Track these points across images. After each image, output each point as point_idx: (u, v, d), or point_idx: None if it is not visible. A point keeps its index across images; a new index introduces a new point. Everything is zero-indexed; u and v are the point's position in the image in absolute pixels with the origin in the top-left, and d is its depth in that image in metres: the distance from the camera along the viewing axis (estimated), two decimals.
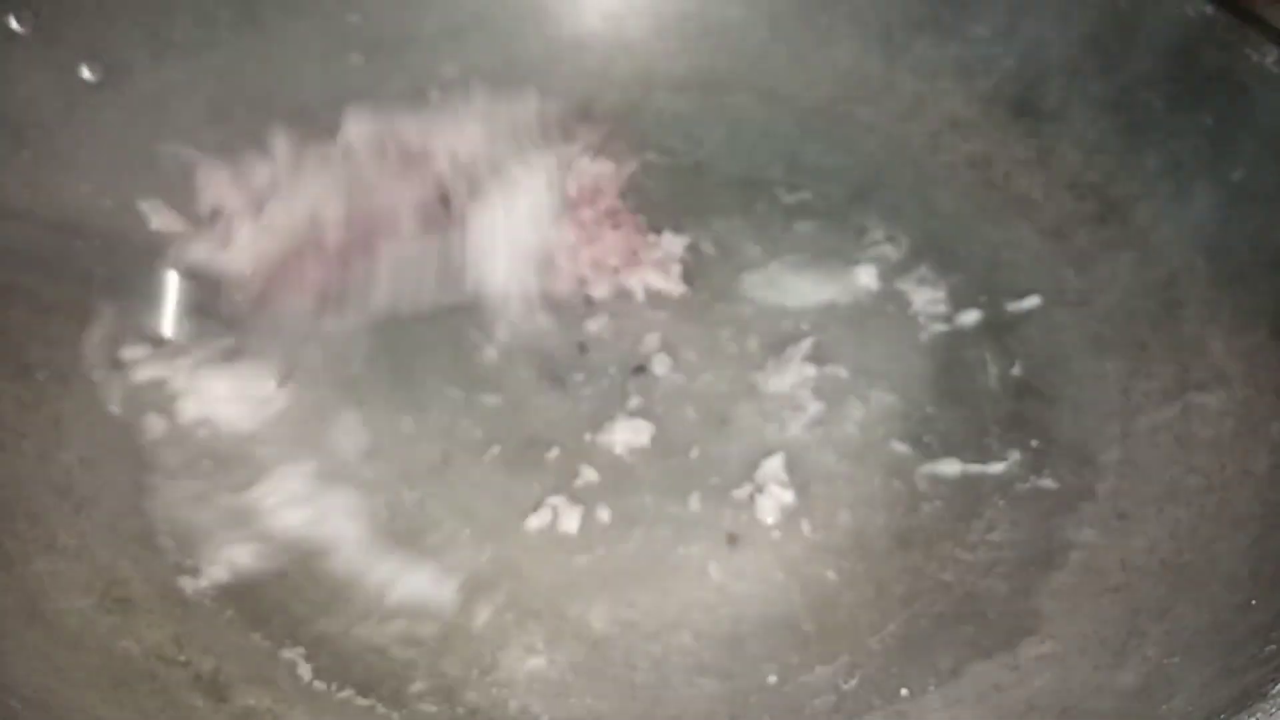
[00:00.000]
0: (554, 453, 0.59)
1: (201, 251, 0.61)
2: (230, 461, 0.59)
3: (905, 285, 0.70)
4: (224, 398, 0.61)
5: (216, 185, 0.63)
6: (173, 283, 0.60)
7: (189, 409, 0.61)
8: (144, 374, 0.61)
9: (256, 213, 0.62)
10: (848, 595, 0.54)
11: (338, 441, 0.61)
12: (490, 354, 0.64)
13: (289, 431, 0.61)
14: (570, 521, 0.56)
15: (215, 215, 0.63)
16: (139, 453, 0.58)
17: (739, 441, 0.61)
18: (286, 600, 0.54)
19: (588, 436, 0.60)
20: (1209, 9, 0.62)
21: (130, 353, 0.62)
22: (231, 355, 0.62)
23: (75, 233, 0.58)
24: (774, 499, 0.57)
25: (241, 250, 0.61)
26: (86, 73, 0.64)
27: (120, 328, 0.63)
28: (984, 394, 0.64)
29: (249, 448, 0.60)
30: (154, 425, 0.60)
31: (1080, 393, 0.62)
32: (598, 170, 0.66)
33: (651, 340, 0.65)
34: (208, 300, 0.61)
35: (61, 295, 0.60)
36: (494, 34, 0.80)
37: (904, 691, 0.50)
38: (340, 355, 0.64)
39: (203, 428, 0.61)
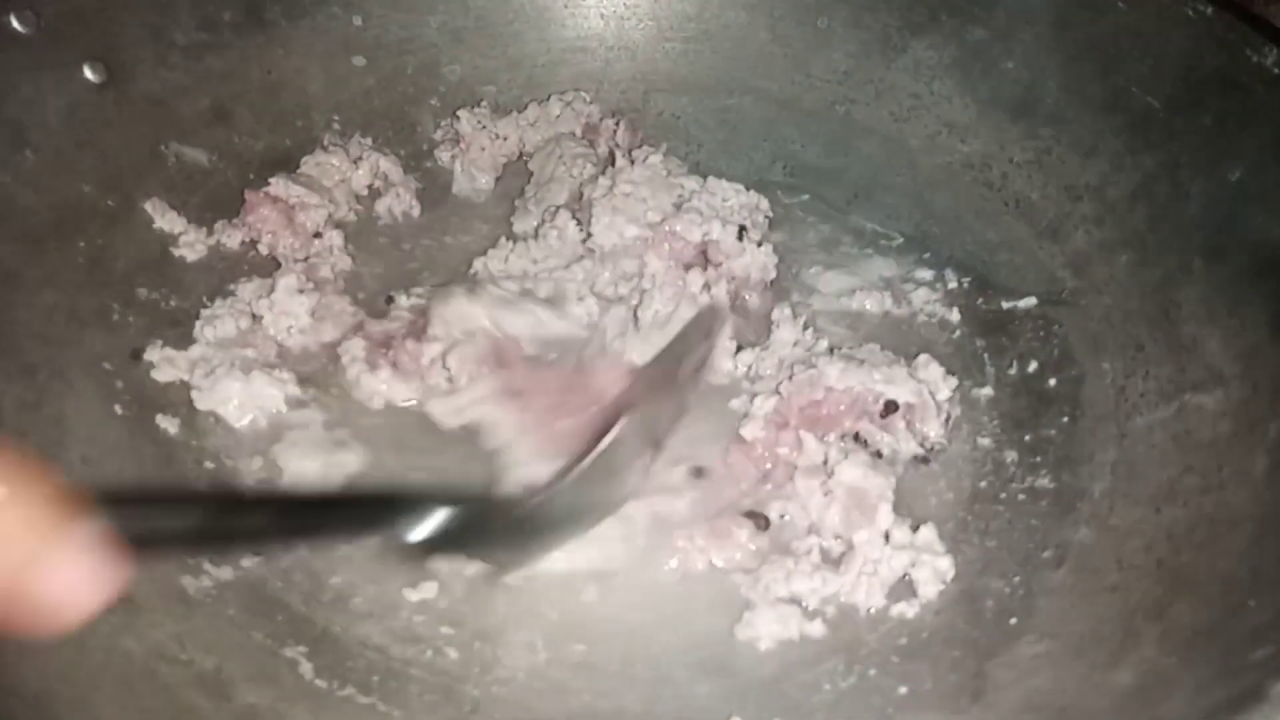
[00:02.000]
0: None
1: None
2: (236, 465, 0.60)
3: (903, 285, 0.71)
4: (236, 404, 0.61)
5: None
6: None
7: (200, 413, 0.61)
8: (163, 376, 0.62)
9: None
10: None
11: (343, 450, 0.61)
12: None
13: (299, 438, 0.61)
14: None
15: None
16: (142, 452, 0.59)
17: None
18: (288, 599, 0.54)
19: None
20: (1209, 9, 0.62)
21: (149, 355, 0.62)
22: (247, 366, 0.62)
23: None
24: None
25: None
26: (89, 74, 0.64)
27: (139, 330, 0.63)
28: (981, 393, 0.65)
29: (255, 453, 0.61)
30: (161, 426, 0.60)
31: (1077, 393, 0.62)
32: None
33: None
34: None
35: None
36: (495, 36, 0.81)
37: (902, 690, 0.50)
38: None
39: (212, 431, 0.61)
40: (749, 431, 0.60)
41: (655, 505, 0.57)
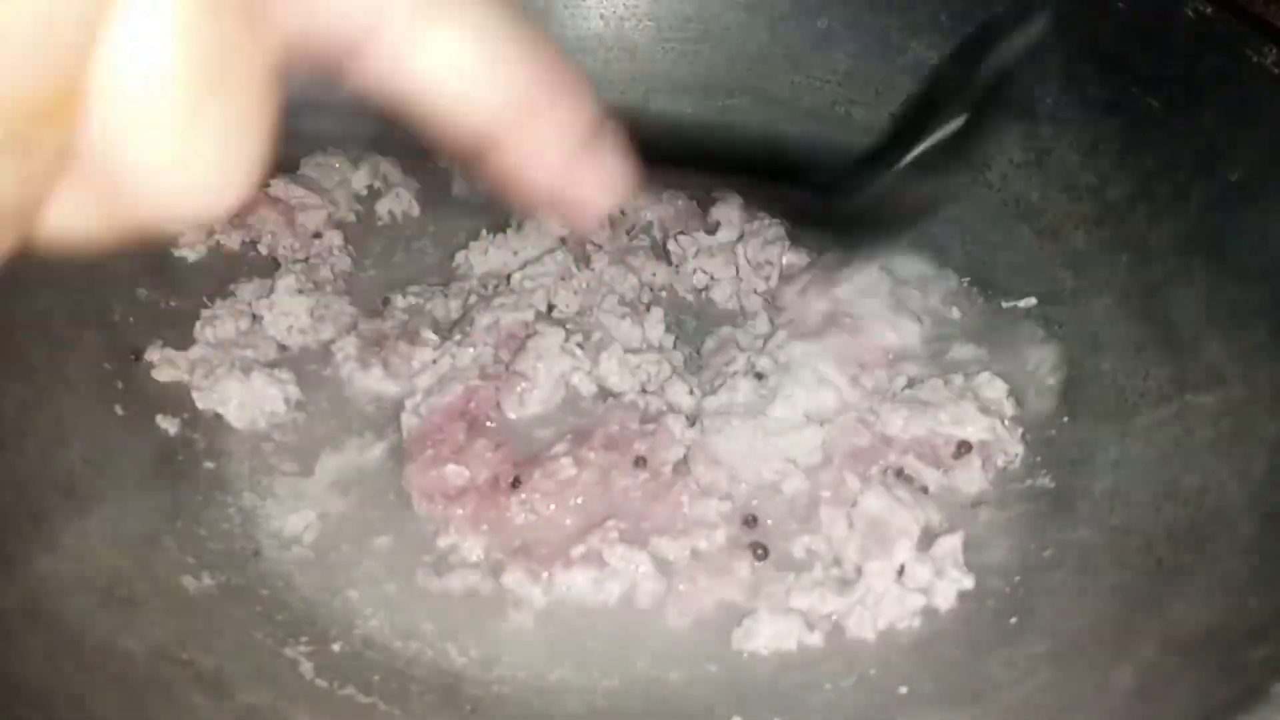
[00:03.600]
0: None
1: None
2: (236, 465, 0.60)
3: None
4: (236, 404, 0.61)
5: None
6: None
7: (200, 412, 0.61)
8: (163, 376, 0.62)
9: None
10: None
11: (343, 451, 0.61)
12: None
13: (295, 439, 0.61)
14: None
15: None
16: (142, 453, 0.59)
17: None
18: (288, 599, 0.54)
19: None
20: (1209, 9, 0.62)
21: (149, 355, 0.62)
22: (247, 366, 0.62)
23: None
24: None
25: None
26: None
27: (137, 330, 0.63)
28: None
29: (255, 453, 0.61)
30: (161, 426, 0.60)
31: (1077, 393, 0.62)
32: None
33: None
34: None
35: None
36: None
37: (903, 690, 0.50)
38: None
39: (212, 431, 0.61)
40: (790, 486, 0.57)
41: (694, 541, 0.55)
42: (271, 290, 0.66)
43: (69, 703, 0.44)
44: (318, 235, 0.71)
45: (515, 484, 0.56)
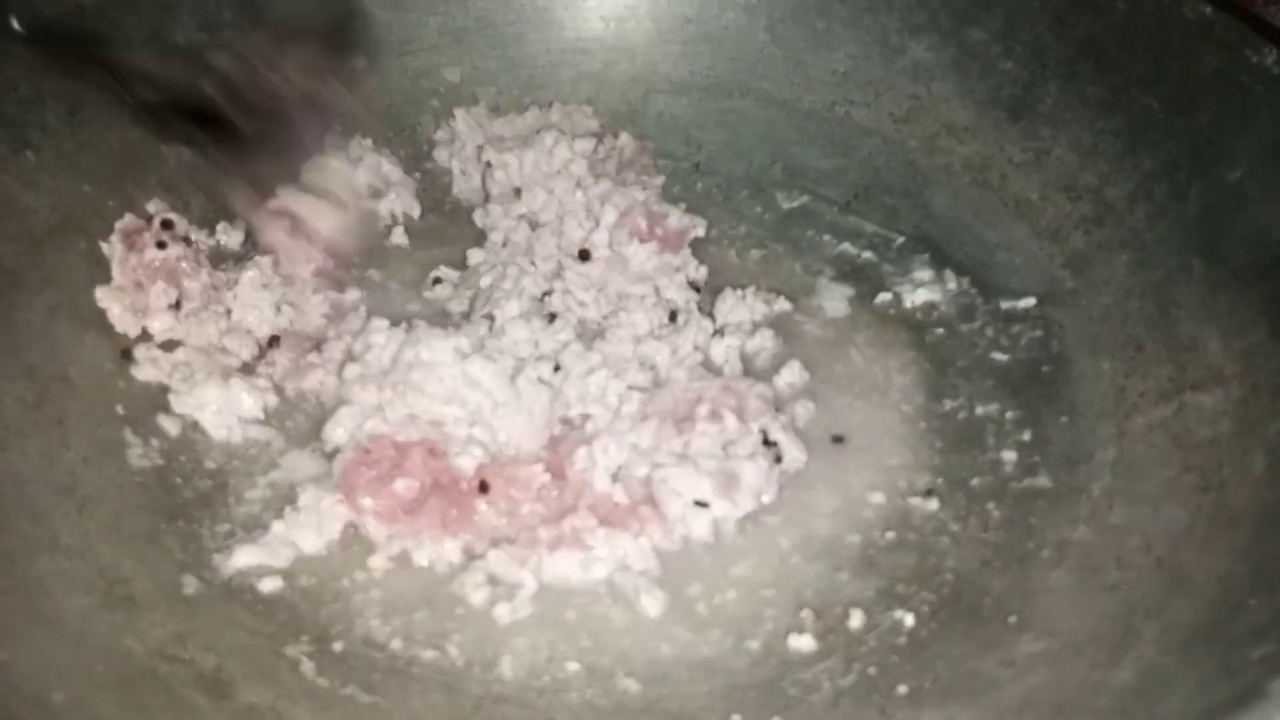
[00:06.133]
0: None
1: None
2: (232, 463, 0.60)
3: (902, 287, 0.71)
4: (214, 410, 0.61)
5: None
6: None
7: (184, 413, 0.61)
8: (144, 375, 0.62)
9: None
10: (846, 592, 0.55)
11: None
12: None
13: (286, 437, 0.61)
14: None
15: None
16: (143, 453, 0.59)
17: None
18: (288, 598, 0.54)
19: None
20: (1209, 9, 0.62)
21: (137, 353, 0.62)
22: (228, 373, 0.62)
23: None
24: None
25: None
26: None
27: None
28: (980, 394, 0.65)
29: (248, 451, 0.60)
30: (162, 426, 0.60)
31: (1076, 393, 0.62)
32: None
33: None
34: None
35: None
36: (496, 37, 0.81)
37: (901, 689, 0.50)
38: None
39: (200, 430, 0.61)
40: None
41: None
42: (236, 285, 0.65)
43: (69, 702, 0.44)
44: None
45: (483, 488, 0.56)
